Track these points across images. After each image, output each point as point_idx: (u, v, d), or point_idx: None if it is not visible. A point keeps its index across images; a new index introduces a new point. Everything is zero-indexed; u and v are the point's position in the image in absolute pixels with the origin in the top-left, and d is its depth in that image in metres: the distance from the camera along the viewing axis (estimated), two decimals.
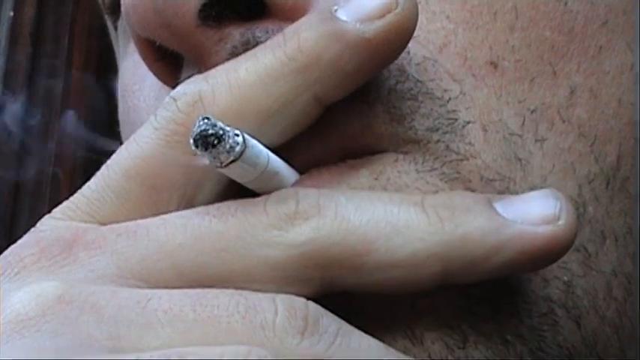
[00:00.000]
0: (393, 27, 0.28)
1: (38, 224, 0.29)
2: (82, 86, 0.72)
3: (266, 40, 0.30)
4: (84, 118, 0.69)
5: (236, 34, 0.31)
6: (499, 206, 0.28)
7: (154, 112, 0.29)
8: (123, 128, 0.41)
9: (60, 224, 0.29)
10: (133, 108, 0.38)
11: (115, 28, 0.44)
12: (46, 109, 0.67)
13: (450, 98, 0.31)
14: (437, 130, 0.30)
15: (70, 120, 0.68)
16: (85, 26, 0.73)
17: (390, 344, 0.28)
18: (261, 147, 0.28)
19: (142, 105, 0.38)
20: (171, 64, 0.33)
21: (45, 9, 0.74)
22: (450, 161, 0.30)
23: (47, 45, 0.73)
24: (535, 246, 0.27)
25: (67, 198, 0.30)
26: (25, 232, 0.29)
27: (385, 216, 0.27)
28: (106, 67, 0.61)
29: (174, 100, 0.29)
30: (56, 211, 0.29)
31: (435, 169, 0.30)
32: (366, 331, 0.27)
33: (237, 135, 0.26)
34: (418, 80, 0.31)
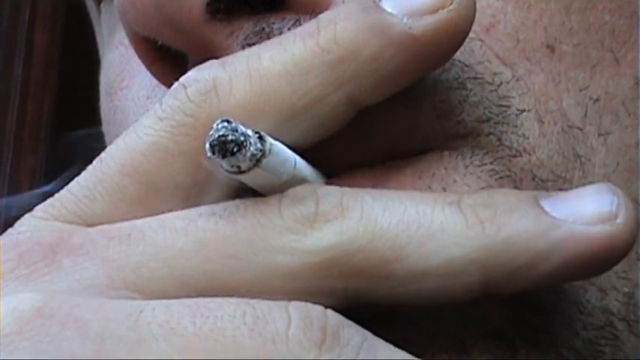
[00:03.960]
0: (445, 25, 0.26)
1: (17, 224, 0.27)
2: (45, 68, 0.68)
3: (283, 29, 0.28)
4: (47, 106, 0.66)
5: (248, 25, 0.29)
6: (547, 204, 0.26)
7: (144, 113, 0.27)
8: (107, 129, 0.38)
9: (42, 225, 0.27)
10: (121, 107, 0.36)
11: (99, 11, 0.41)
12: (4, 97, 0.63)
13: (501, 82, 0.29)
14: (488, 120, 0.28)
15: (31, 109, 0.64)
16: (49, 0, 0.70)
17: (434, 355, 0.26)
18: (288, 153, 0.26)
19: (130, 105, 0.35)
20: (173, 64, 0.31)
21: None
22: (502, 157, 0.28)
23: (5, 21, 0.69)
24: (590, 249, 0.25)
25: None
26: None
27: (417, 217, 0.25)
28: (73, 46, 0.57)
29: (184, 87, 0.27)
30: (38, 209, 0.27)
31: (485, 164, 0.28)
32: (408, 339, 0.25)
33: (262, 140, 0.24)
34: (465, 64, 0.28)
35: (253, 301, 0.24)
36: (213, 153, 0.24)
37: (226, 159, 0.24)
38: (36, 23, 0.69)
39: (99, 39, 0.43)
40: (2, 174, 0.67)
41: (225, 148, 0.24)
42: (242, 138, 0.24)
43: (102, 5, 0.40)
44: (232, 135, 0.24)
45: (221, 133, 0.24)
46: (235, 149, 0.24)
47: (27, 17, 0.69)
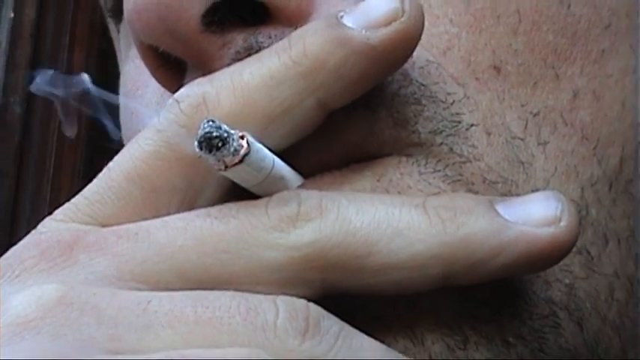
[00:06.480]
0: (398, 35, 0.28)
1: (39, 226, 0.29)
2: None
3: (269, 45, 0.30)
4: (85, 119, 0.68)
5: (239, 39, 0.31)
6: (501, 208, 0.28)
7: (155, 116, 0.29)
8: (125, 133, 0.41)
9: (60, 226, 0.29)
10: (135, 113, 0.38)
11: (118, 31, 0.44)
12: (46, 111, 0.67)
13: (453, 101, 0.31)
14: (440, 132, 0.30)
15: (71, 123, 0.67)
16: (86, 26, 0.73)
17: (390, 344, 0.28)
18: (267, 151, 0.28)
19: (144, 109, 0.38)
20: (174, 70, 0.33)
21: (46, 10, 0.74)
22: (453, 163, 0.30)
23: (48, 46, 0.72)
24: (537, 248, 0.28)
25: (67, 200, 0.30)
26: (25, 232, 0.29)
27: (387, 217, 0.27)
28: (107, 67, 0.60)
29: (178, 102, 0.29)
30: (57, 212, 0.29)
31: (438, 170, 0.30)
32: (366, 330, 0.27)
33: (242, 138, 0.26)
34: (421, 84, 0.31)
35: (246, 294, 0.26)
36: (201, 149, 0.26)
37: (212, 153, 0.26)
38: (75, 47, 0.72)
39: (118, 55, 0.45)
40: (45, 181, 0.70)
41: (211, 143, 0.26)
42: (225, 134, 0.26)
43: (120, 26, 0.43)
44: (217, 132, 0.26)
45: (206, 130, 0.26)
46: (220, 144, 0.26)
47: (67, 41, 0.72)
